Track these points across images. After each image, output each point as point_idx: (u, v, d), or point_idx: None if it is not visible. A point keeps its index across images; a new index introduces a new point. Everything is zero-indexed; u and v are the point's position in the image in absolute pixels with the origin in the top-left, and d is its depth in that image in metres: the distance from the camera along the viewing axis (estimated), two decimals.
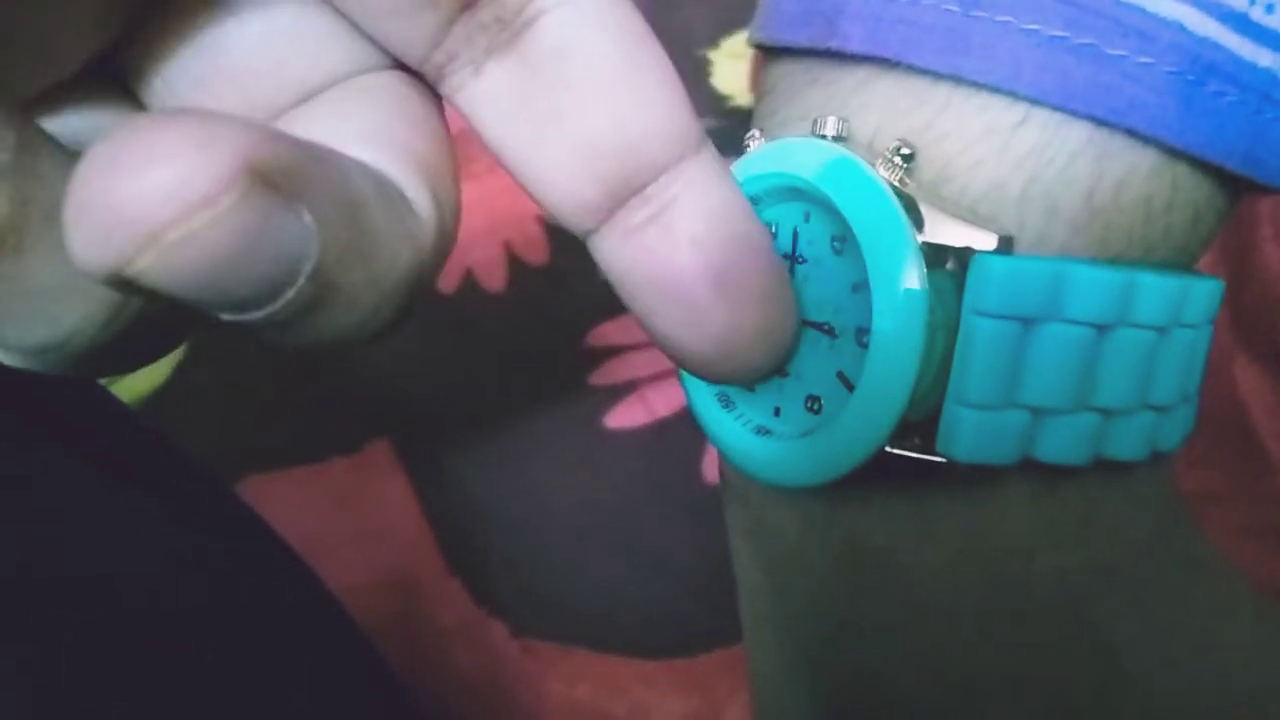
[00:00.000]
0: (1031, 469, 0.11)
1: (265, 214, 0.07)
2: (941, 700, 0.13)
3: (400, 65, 0.09)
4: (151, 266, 0.06)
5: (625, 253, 0.09)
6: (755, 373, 0.10)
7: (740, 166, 0.12)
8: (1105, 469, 0.12)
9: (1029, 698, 0.12)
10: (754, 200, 0.12)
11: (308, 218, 0.07)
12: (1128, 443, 0.12)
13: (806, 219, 0.12)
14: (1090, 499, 0.12)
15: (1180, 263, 0.12)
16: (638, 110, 0.09)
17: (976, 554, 0.12)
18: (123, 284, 0.07)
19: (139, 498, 0.19)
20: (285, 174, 0.07)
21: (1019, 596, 0.12)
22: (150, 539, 0.19)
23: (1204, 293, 0.12)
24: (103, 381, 0.38)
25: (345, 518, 0.36)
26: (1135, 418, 0.12)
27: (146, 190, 0.06)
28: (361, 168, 0.08)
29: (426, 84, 0.09)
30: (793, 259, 0.12)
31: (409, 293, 0.09)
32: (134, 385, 0.41)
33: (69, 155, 0.08)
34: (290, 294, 0.07)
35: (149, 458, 0.21)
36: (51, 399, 0.18)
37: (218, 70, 0.09)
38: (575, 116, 0.09)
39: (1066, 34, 0.10)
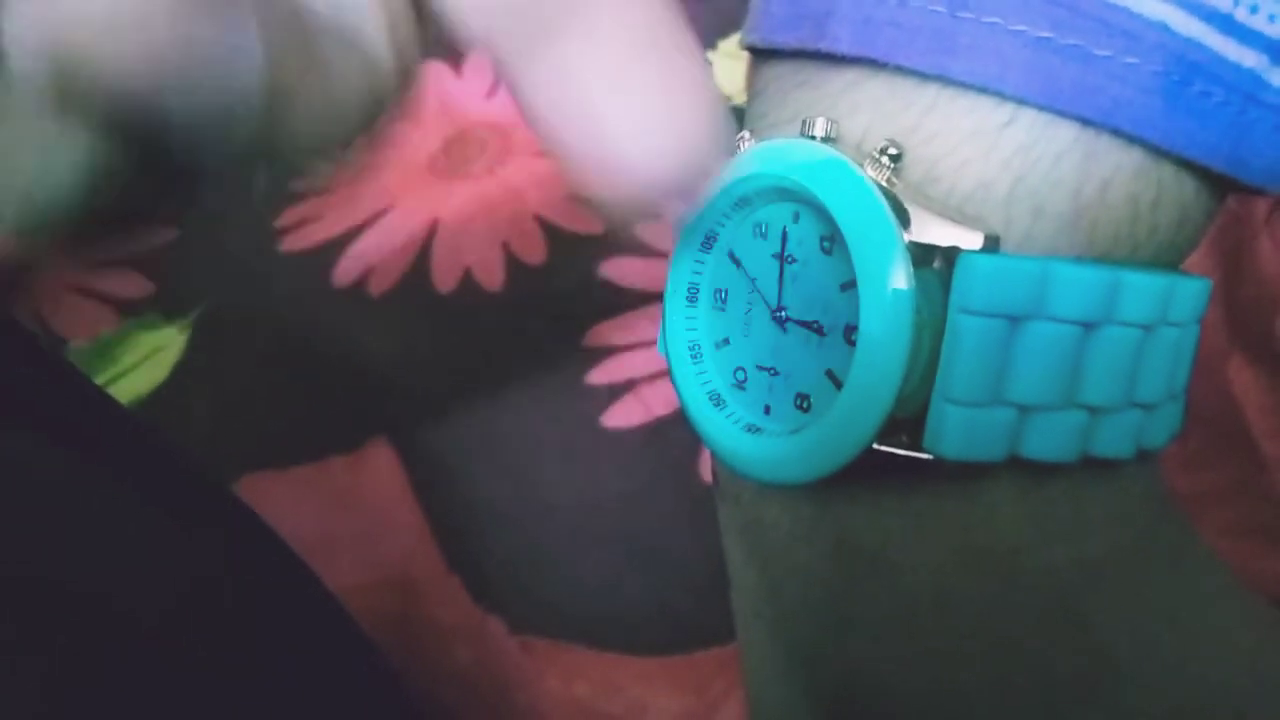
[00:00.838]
0: (1019, 466, 0.11)
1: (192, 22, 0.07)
2: (932, 696, 0.13)
3: None
4: (89, 43, 0.07)
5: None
6: (664, 181, 0.08)
7: (730, 167, 0.12)
8: (1093, 466, 0.12)
9: (1018, 693, 0.13)
10: (744, 201, 0.12)
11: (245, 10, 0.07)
12: (1114, 440, 0.12)
13: (796, 219, 0.12)
14: (1078, 496, 0.12)
15: (1167, 261, 0.12)
16: None
17: (965, 551, 0.12)
18: (64, 78, 0.07)
19: (134, 497, 0.19)
20: None
21: (1008, 593, 0.12)
22: (146, 538, 0.19)
23: (1191, 291, 0.12)
24: (100, 380, 0.38)
25: (344, 516, 0.36)
26: (1122, 415, 0.12)
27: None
28: None
29: None
30: (782, 259, 0.12)
31: (367, 115, 0.09)
32: (133, 384, 0.41)
33: None
34: (243, 94, 0.07)
35: (145, 457, 0.21)
36: (47, 397, 0.18)
37: None
38: None
39: (1053, 35, 0.11)
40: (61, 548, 0.16)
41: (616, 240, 0.43)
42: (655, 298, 0.13)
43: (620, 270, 0.42)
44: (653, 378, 0.37)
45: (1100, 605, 0.12)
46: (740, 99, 0.14)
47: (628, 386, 0.38)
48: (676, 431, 0.36)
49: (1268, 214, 0.31)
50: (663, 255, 0.12)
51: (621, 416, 0.37)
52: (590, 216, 0.44)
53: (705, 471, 0.35)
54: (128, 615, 0.17)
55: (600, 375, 0.38)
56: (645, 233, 0.43)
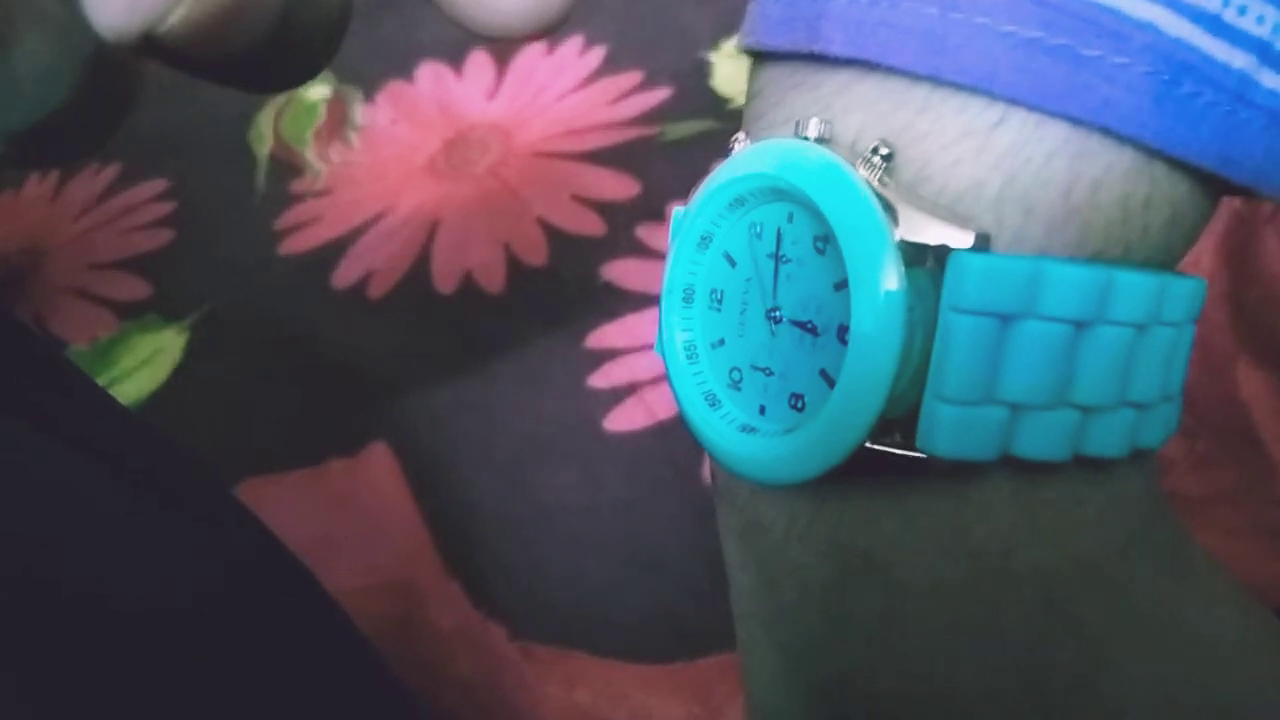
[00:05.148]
0: (1012, 466, 0.12)
1: None
2: (927, 695, 0.13)
3: None
4: (180, 21, 0.08)
5: None
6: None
7: (726, 168, 0.12)
8: (1086, 466, 0.12)
9: (1010, 693, 0.13)
10: (740, 201, 0.12)
11: None
12: (1108, 440, 0.12)
13: (790, 219, 0.12)
14: (1071, 496, 0.12)
15: (1161, 262, 0.12)
16: None
17: (958, 550, 0.12)
18: (146, 44, 0.08)
19: (134, 497, 0.19)
20: None
21: (1001, 592, 0.12)
22: (145, 539, 0.19)
23: (1184, 291, 0.12)
24: (99, 383, 0.38)
25: (343, 520, 0.36)
26: (1115, 415, 0.12)
27: None
28: None
29: None
30: (777, 259, 0.12)
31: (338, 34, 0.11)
32: (132, 388, 0.41)
33: None
34: (264, 36, 0.09)
35: (145, 457, 0.21)
36: (51, 398, 0.19)
37: None
38: None
39: (1042, 35, 0.11)
40: (59, 547, 0.16)
41: (619, 242, 0.43)
42: (657, 300, 0.13)
43: (622, 272, 0.42)
44: (655, 381, 0.37)
45: (1093, 605, 0.12)
46: (742, 101, 0.14)
47: (630, 389, 0.38)
48: (679, 434, 0.36)
49: (1272, 212, 0.31)
50: (664, 257, 0.13)
51: (623, 420, 0.37)
52: (591, 218, 0.44)
53: (707, 474, 0.35)
54: (125, 616, 0.17)
55: (602, 378, 0.38)
56: (647, 235, 0.43)
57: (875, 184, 0.11)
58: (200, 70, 0.10)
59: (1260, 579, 0.28)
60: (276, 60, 0.10)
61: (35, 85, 0.10)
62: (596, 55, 0.52)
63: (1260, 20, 0.11)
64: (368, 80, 0.54)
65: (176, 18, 0.08)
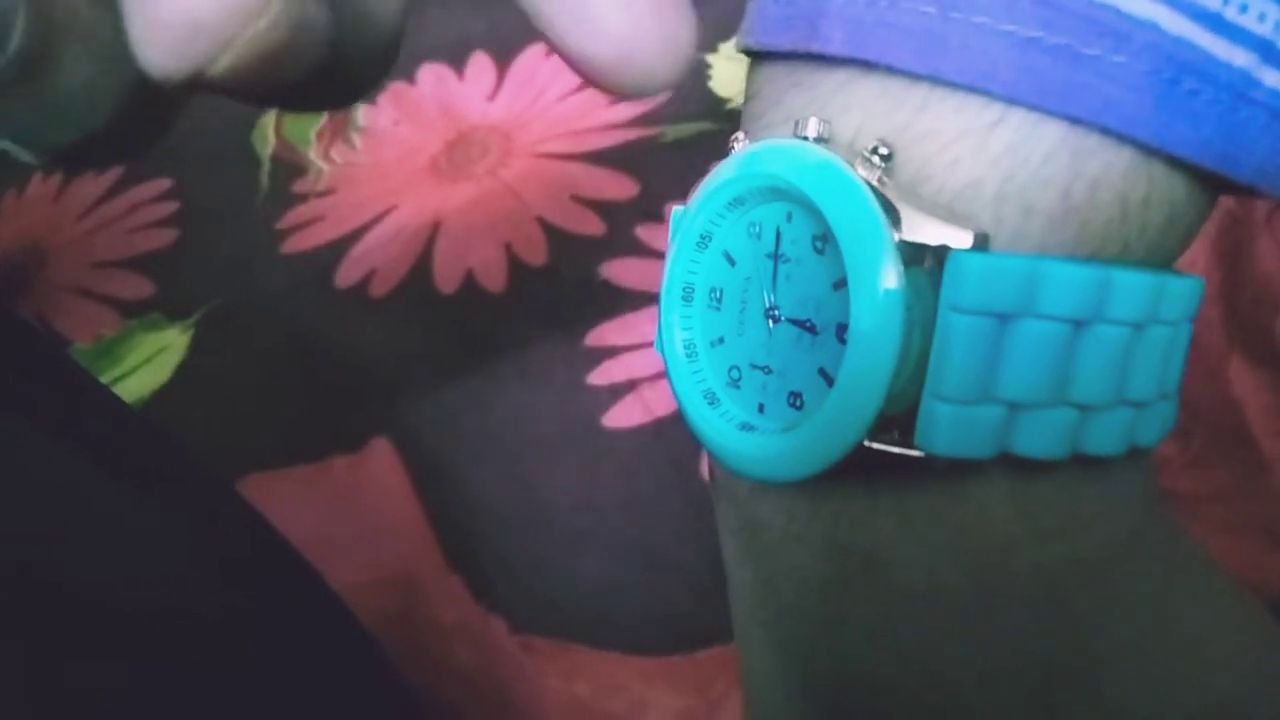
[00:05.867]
0: (1010, 464, 0.12)
1: (303, 8, 0.09)
2: (924, 694, 0.13)
3: None
4: (228, 67, 0.08)
5: None
6: (656, 80, 0.11)
7: (724, 168, 0.12)
8: (1084, 464, 0.12)
9: (1009, 691, 0.13)
10: (739, 200, 0.12)
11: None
12: (1105, 438, 0.12)
13: (789, 219, 0.12)
14: (1069, 494, 0.12)
15: (1158, 261, 0.12)
16: None
17: (956, 548, 0.12)
18: (192, 84, 0.08)
19: (139, 498, 0.19)
20: None
21: (998, 591, 0.12)
22: (149, 539, 0.19)
23: (1181, 290, 0.12)
24: (106, 381, 0.39)
25: (345, 516, 0.36)
26: (1112, 413, 0.12)
27: (214, 3, 0.08)
28: None
29: None
30: (776, 258, 0.12)
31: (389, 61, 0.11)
32: (136, 386, 0.42)
33: None
34: (312, 70, 0.09)
35: (150, 458, 0.21)
36: (53, 396, 0.19)
37: None
38: None
39: (1041, 34, 0.11)
40: (59, 546, 0.16)
41: (618, 241, 0.43)
42: (656, 299, 0.13)
43: (621, 271, 0.42)
44: (653, 378, 0.38)
45: (1091, 602, 0.12)
46: (740, 102, 0.14)
47: (629, 387, 0.38)
48: (677, 432, 0.36)
49: (1267, 214, 0.31)
50: (663, 256, 0.13)
51: (622, 417, 0.37)
52: (591, 218, 0.44)
53: (706, 471, 0.35)
54: (126, 614, 0.17)
55: (601, 376, 0.39)
56: (646, 234, 0.43)
57: (874, 183, 0.11)
58: (244, 99, 0.10)
59: (1254, 575, 0.28)
60: (321, 89, 0.10)
61: (78, 106, 0.10)
62: None
63: (1261, 18, 0.11)
64: None
65: (224, 63, 0.08)
